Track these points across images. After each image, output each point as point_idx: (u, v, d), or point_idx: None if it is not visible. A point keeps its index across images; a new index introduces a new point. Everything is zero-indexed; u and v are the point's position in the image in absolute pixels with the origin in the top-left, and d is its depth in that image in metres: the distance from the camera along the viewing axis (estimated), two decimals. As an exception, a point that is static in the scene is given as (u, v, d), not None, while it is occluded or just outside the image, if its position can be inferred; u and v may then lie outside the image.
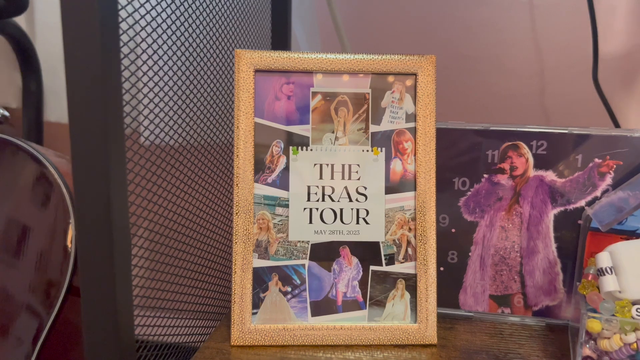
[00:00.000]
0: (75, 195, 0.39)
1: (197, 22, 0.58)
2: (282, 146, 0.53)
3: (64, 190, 0.66)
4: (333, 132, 0.53)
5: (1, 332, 0.65)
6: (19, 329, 0.65)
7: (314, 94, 0.53)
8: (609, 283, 0.45)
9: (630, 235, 0.51)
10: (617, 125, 0.74)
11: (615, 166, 0.53)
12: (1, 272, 0.65)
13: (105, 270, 0.41)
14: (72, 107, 0.39)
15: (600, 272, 0.46)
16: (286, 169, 0.53)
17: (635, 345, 0.44)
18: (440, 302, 0.57)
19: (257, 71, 0.52)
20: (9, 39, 0.82)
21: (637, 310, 0.44)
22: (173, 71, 0.56)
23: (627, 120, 0.83)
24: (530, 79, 0.84)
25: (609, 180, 0.53)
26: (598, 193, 0.54)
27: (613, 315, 0.45)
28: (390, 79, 0.53)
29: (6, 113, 0.77)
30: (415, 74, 0.53)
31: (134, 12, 0.46)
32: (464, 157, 0.55)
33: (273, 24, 0.75)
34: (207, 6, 0.59)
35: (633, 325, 0.44)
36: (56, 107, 0.91)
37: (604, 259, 0.46)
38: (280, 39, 0.75)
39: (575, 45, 0.82)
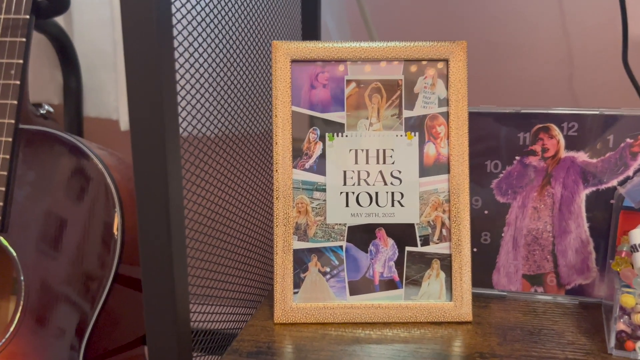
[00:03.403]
0: (137, 189, 0.43)
1: (230, 13, 0.60)
2: (319, 133, 0.55)
3: (109, 180, 0.69)
4: (367, 119, 0.55)
5: (50, 324, 0.68)
6: (67, 320, 0.68)
7: (348, 81, 0.55)
8: (642, 259, 0.47)
9: (663, 213, 0.51)
10: (647, 106, 0.74)
11: (647, 146, 0.54)
12: (50, 263, 0.69)
13: (165, 263, 0.44)
14: (132, 106, 0.42)
15: (634, 249, 0.47)
16: (323, 155, 0.55)
17: (669, 318, 0.45)
18: (474, 282, 0.58)
19: (293, 61, 0.54)
20: (50, 38, 0.86)
21: (671, 285, 0.45)
22: (210, 57, 0.59)
23: (658, 102, 0.83)
24: (559, 64, 0.84)
25: (641, 159, 0.54)
26: (630, 172, 0.54)
27: (647, 290, 0.46)
28: (423, 65, 0.55)
29: (51, 109, 0.81)
30: (447, 60, 0.54)
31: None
32: (496, 140, 0.57)
33: (303, 14, 0.77)
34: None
35: (667, 299, 0.45)
36: (94, 103, 0.95)
37: (637, 235, 0.47)
38: (310, 29, 0.77)
39: (605, 29, 0.82)
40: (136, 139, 0.43)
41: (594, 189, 0.56)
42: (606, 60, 0.82)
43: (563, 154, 0.56)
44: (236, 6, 0.61)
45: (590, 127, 0.55)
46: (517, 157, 0.57)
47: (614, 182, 0.55)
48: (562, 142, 0.55)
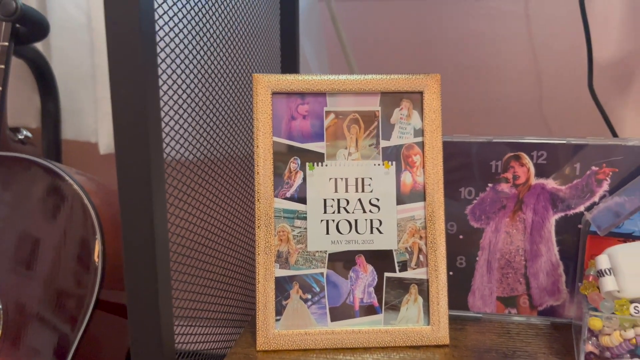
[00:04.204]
0: (122, 213, 0.43)
1: (215, 44, 0.62)
2: (299, 162, 0.56)
3: (89, 206, 0.70)
4: (346, 148, 0.57)
5: (31, 349, 0.68)
6: (47, 345, 0.67)
7: (328, 113, 0.57)
8: (608, 283, 0.49)
9: (627, 237, 0.54)
10: (612, 130, 0.78)
11: (611, 173, 0.57)
12: (29, 292, 0.68)
13: (150, 286, 0.44)
14: (118, 133, 0.43)
15: (600, 274, 0.50)
16: (303, 183, 0.56)
17: (634, 340, 0.48)
18: (450, 305, 0.60)
19: (274, 93, 0.56)
20: (29, 63, 0.86)
21: (635, 308, 0.48)
22: (188, 77, 0.60)
23: (623, 125, 0.87)
24: (528, 88, 0.87)
25: (605, 186, 0.57)
26: (596, 199, 0.57)
27: (613, 313, 0.48)
28: (399, 97, 0.57)
29: (29, 134, 0.81)
30: (421, 92, 0.57)
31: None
32: (469, 168, 0.59)
33: (282, 44, 0.78)
34: (224, 28, 0.63)
35: (631, 322, 0.48)
36: (73, 126, 0.94)
37: (603, 261, 0.50)
38: (289, 58, 0.79)
39: (571, 54, 0.85)
40: (121, 163, 0.44)
41: (562, 214, 0.58)
42: (574, 84, 0.86)
43: (533, 181, 0.58)
44: (221, 36, 0.63)
45: (559, 155, 0.57)
46: (490, 184, 0.59)
47: (581, 208, 0.58)
48: (532, 169, 0.58)
